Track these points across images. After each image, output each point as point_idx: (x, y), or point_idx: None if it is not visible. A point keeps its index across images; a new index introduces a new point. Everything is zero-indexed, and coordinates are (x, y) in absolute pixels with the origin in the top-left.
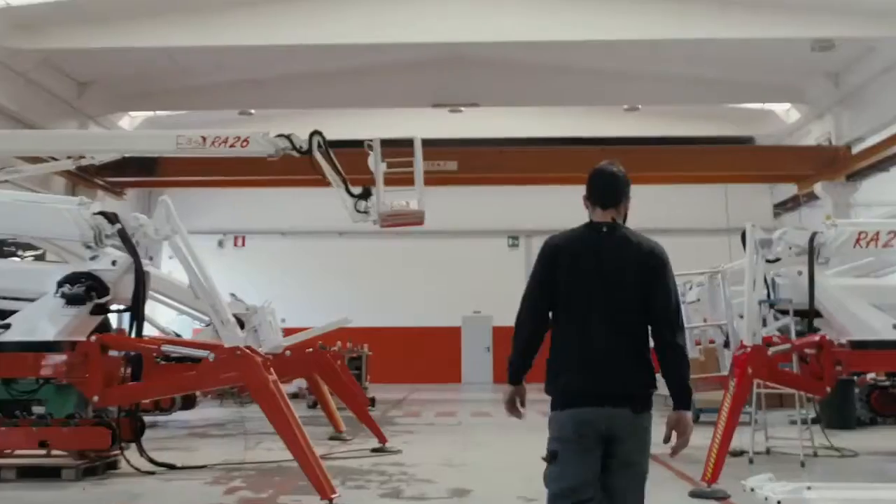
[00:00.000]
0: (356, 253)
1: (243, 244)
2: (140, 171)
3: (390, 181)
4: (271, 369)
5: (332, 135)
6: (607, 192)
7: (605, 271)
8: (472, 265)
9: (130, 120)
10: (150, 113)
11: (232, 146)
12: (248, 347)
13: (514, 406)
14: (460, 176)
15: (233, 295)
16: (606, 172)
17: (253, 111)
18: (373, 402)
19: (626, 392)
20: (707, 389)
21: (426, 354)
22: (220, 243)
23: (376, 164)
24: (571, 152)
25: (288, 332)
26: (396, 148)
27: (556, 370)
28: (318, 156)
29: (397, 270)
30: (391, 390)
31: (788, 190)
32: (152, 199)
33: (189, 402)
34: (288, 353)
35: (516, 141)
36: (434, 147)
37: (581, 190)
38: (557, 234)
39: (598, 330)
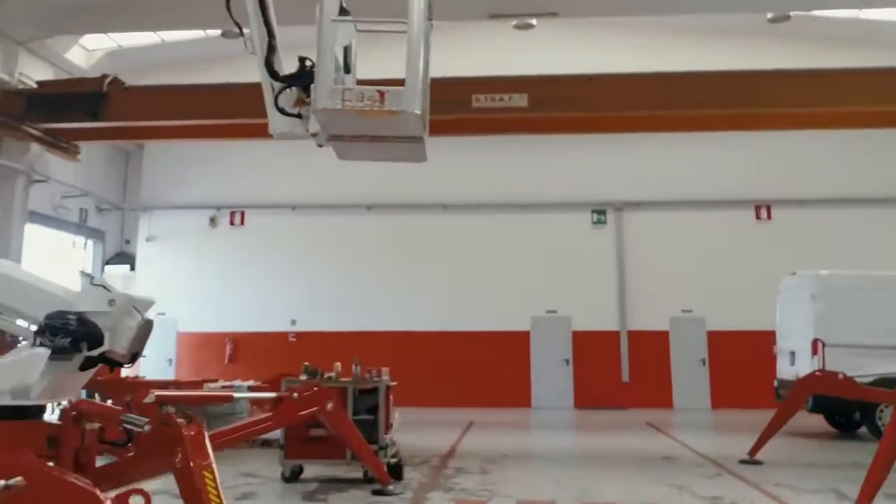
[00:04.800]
0: (388, 232)
1: (242, 222)
2: (80, 113)
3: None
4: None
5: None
6: None
7: None
8: (545, 249)
9: (86, 54)
10: (113, 45)
11: None
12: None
13: None
14: (531, 116)
15: (87, 275)
16: None
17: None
18: (398, 471)
19: None
20: None
21: (483, 368)
22: (213, 221)
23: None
24: (694, 80)
25: (302, 338)
26: None
27: None
28: None
29: (443, 256)
30: (432, 422)
31: None
32: (116, 162)
33: None
34: (296, 396)
35: None
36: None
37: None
38: None
39: None
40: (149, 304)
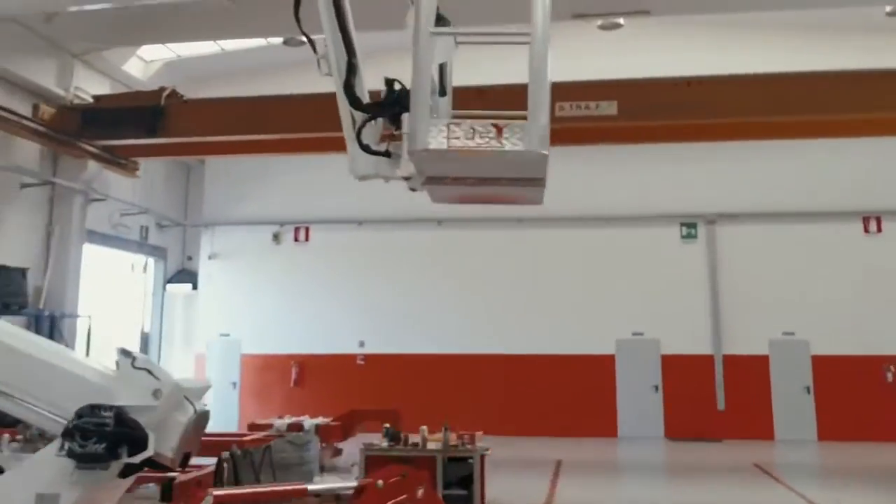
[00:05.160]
0: (461, 248)
1: (306, 238)
2: (137, 129)
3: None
4: None
5: None
6: None
7: None
8: (630, 266)
9: (144, 66)
10: (171, 55)
11: None
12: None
13: None
14: (621, 125)
15: (128, 355)
16: None
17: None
18: None
19: None
20: None
21: (564, 394)
22: (276, 237)
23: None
24: (809, 81)
25: (371, 361)
26: None
27: None
28: None
29: (519, 274)
30: (515, 461)
31: None
32: (176, 177)
33: None
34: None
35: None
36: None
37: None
38: None
39: None
40: (203, 390)
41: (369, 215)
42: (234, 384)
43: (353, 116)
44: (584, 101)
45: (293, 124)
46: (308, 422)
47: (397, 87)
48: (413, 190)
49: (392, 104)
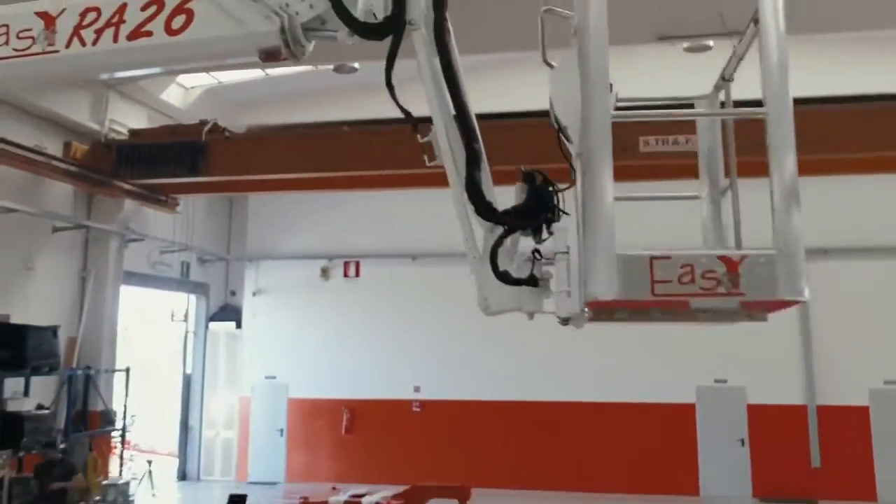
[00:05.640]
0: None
1: (357, 273)
2: (177, 166)
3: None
4: None
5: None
6: None
7: None
8: None
9: (183, 93)
10: (212, 81)
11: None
12: None
13: None
14: None
15: None
16: None
17: (357, 65)
18: None
19: None
20: None
21: (639, 446)
22: (324, 272)
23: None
24: None
25: (428, 408)
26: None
27: None
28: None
29: None
30: None
31: None
32: (219, 210)
33: None
34: None
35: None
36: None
37: None
38: None
39: None
40: None
41: (424, 249)
42: (281, 431)
43: (481, 226)
44: (671, 136)
45: (343, 161)
46: (368, 500)
47: (539, 181)
48: (565, 324)
49: (538, 211)
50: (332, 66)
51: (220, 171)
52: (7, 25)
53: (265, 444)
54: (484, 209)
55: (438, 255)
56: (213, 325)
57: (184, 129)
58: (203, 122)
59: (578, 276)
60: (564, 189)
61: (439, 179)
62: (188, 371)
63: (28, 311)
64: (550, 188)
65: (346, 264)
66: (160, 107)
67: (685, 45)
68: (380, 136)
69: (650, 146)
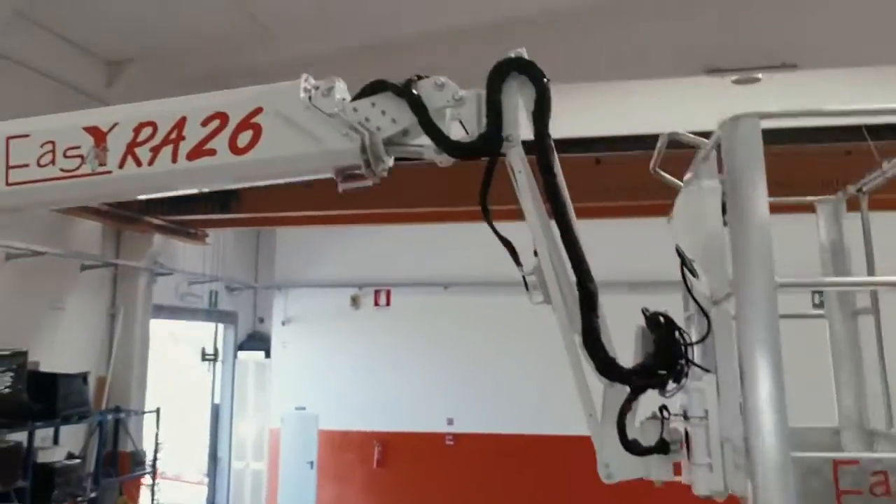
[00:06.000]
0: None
1: (388, 302)
2: (208, 204)
3: None
4: None
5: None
6: None
7: None
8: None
9: None
10: None
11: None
12: None
13: None
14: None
15: None
16: None
17: (501, 242)
18: None
19: None
20: None
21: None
22: (354, 300)
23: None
24: None
25: (461, 441)
26: None
27: None
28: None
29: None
30: None
31: None
32: (247, 239)
33: None
34: None
35: None
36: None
37: None
38: None
39: None
40: None
41: (457, 278)
42: (311, 463)
43: (603, 384)
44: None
45: (377, 199)
46: None
47: (664, 328)
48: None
49: (669, 367)
50: None
51: (252, 209)
52: (53, 142)
53: (295, 477)
54: (606, 367)
55: (471, 283)
56: (241, 354)
57: None
58: None
59: (720, 445)
60: (698, 341)
61: (472, 216)
62: (216, 401)
63: (57, 353)
64: (678, 336)
65: (377, 293)
66: None
67: (734, 77)
68: (412, 174)
69: None
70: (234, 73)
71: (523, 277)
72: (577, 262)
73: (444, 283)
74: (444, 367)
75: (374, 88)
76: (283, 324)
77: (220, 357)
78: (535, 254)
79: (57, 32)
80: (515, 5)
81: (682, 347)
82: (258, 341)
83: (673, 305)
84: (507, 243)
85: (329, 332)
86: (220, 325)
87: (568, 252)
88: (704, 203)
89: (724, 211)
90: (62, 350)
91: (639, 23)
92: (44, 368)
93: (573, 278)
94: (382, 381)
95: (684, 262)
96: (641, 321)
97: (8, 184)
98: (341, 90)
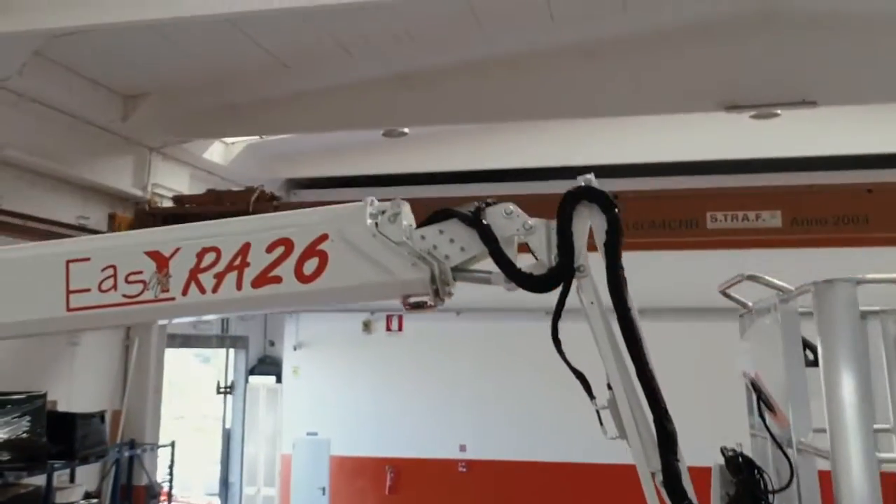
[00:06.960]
0: (579, 342)
1: (400, 328)
2: None
3: None
4: None
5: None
6: None
7: None
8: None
9: (224, 149)
10: (254, 137)
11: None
12: None
13: None
14: (787, 238)
15: None
16: None
17: (407, 129)
18: None
19: None
20: None
21: None
22: (366, 325)
23: None
24: None
25: (474, 468)
26: None
27: None
28: None
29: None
30: None
31: None
32: None
33: None
34: None
35: None
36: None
37: None
38: None
39: None
40: None
41: (469, 303)
42: (323, 490)
43: None
44: (741, 212)
45: None
46: None
47: None
48: None
49: None
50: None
51: None
52: (114, 266)
53: (307, 503)
54: None
55: (483, 309)
56: (252, 379)
57: (230, 196)
58: (251, 190)
59: None
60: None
61: None
62: (227, 426)
63: (74, 389)
64: (760, 478)
65: (389, 318)
66: (202, 165)
67: (752, 112)
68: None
69: (718, 222)
70: (250, 106)
71: (597, 411)
72: (654, 401)
73: (457, 308)
74: (457, 392)
75: (441, 216)
76: (295, 349)
77: (230, 378)
78: (609, 387)
79: (73, 69)
80: (534, 41)
81: (765, 493)
82: (269, 365)
83: (672, 332)
84: (580, 376)
85: (341, 357)
86: (232, 351)
87: (644, 390)
88: (771, 348)
89: (813, 355)
90: (79, 386)
91: (659, 61)
92: (61, 406)
93: (648, 413)
94: (395, 406)
95: (760, 397)
96: (720, 459)
97: (69, 309)
98: (407, 215)
